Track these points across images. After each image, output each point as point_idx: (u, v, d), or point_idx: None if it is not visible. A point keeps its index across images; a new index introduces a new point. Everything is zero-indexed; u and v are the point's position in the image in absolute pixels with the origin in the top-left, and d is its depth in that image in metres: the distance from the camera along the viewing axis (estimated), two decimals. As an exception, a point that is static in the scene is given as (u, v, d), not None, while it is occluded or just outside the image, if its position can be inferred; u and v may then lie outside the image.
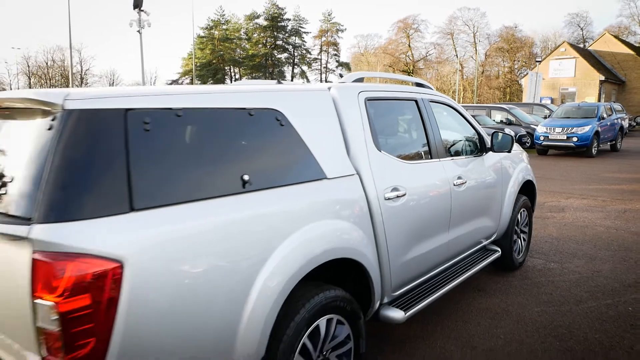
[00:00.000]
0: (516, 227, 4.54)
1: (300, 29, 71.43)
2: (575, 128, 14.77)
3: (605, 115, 15.92)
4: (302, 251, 2.08)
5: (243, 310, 1.86)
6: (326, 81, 72.57)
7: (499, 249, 4.22)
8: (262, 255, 1.95)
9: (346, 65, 74.02)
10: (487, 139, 4.03)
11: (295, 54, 72.75)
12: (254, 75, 68.43)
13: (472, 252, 3.93)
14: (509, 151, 4.03)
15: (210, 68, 65.61)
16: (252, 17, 68.81)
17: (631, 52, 39.50)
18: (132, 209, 1.61)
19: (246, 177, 1.98)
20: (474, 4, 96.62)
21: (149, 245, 1.61)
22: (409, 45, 71.52)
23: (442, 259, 3.36)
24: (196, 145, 1.90)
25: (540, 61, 35.34)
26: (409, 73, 70.82)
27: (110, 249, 1.52)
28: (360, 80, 3.02)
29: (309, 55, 73.68)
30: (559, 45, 39.28)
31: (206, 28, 67.63)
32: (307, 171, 2.28)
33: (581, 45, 47.81)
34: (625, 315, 3.66)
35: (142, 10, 17.52)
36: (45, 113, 1.66)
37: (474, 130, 3.99)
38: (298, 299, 2.15)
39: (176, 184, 1.76)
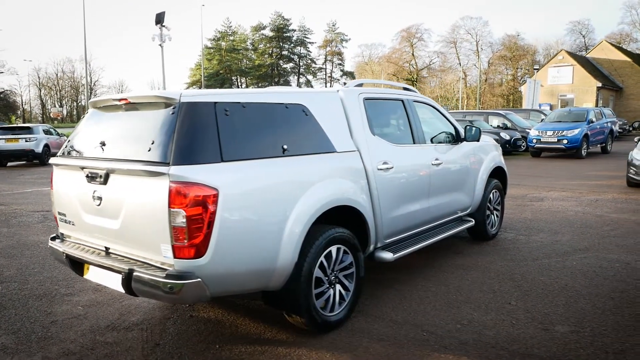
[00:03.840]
0: (489, 205, 5.59)
1: (305, 39, 73.08)
2: (565, 131, 15.79)
3: (594, 119, 16.93)
4: (321, 195, 3.16)
5: (285, 227, 2.93)
6: (331, 90, 73.71)
7: (473, 220, 5.28)
8: (296, 194, 3.02)
9: (350, 75, 75.40)
10: (462, 132, 5.09)
11: (301, 64, 74.30)
12: (260, 85, 69.84)
13: (451, 219, 4.99)
14: (478, 140, 5.09)
15: (217, 78, 67.16)
16: (258, 28, 70.52)
17: (628, 59, 40.54)
18: (222, 160, 2.70)
19: (285, 146, 3.07)
20: (476, 13, 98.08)
21: (232, 181, 2.70)
22: (413, 54, 72.79)
23: (424, 220, 4.41)
24: (254, 125, 2.99)
25: (538, 69, 36.50)
26: (412, 81, 72.05)
27: (211, 182, 2.59)
28: (360, 85, 4.12)
29: (314, 65, 75.28)
30: (557, 53, 40.45)
31: (213, 39, 69.38)
32: (323, 145, 3.37)
33: (583, 53, 48.80)
34: (570, 267, 4.69)
35: (164, 26, 18.84)
36: (167, 105, 2.75)
37: (451, 125, 5.05)
38: (317, 231, 3.21)
39: (245, 148, 2.85)
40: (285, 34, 71.28)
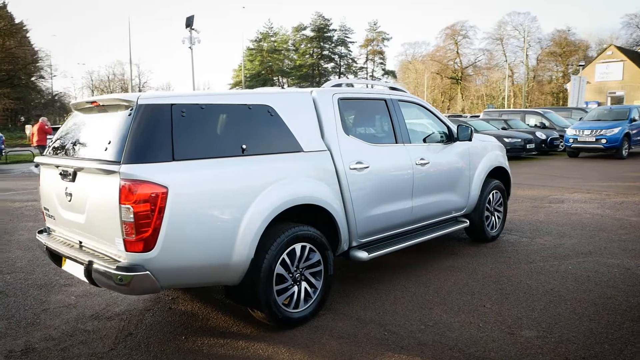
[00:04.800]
0: (488, 206, 5.47)
1: (346, 38, 73.06)
2: (604, 130, 15.11)
3: (637, 118, 16.09)
4: (280, 194, 3.23)
5: (240, 224, 3.02)
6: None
7: (467, 221, 5.19)
8: (253, 192, 3.10)
9: (392, 74, 74.82)
10: (455, 131, 5.02)
11: (341, 64, 74.35)
12: (301, 85, 70.37)
13: (442, 219, 4.93)
14: (470, 140, 5.00)
15: (259, 79, 68.17)
16: (299, 28, 71.12)
17: (687, 54, 38.13)
18: (174, 159, 2.82)
19: (244, 146, 3.16)
20: (524, 8, 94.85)
21: (183, 180, 2.81)
22: (457, 52, 71.39)
23: (407, 221, 4.39)
24: (212, 126, 3.10)
25: (584, 65, 34.95)
26: (457, 80, 70.75)
27: (161, 180, 2.72)
28: (339, 85, 4.15)
29: (354, 65, 75.06)
30: (605, 48, 38.53)
31: (255, 40, 70.53)
32: (288, 145, 3.44)
33: (635, 48, 46.30)
34: (563, 271, 4.54)
35: (193, 29, 19.46)
36: (127, 107, 2.90)
37: (443, 124, 4.99)
38: (280, 229, 3.29)
39: (200, 148, 2.96)
40: (326, 34, 71.52)
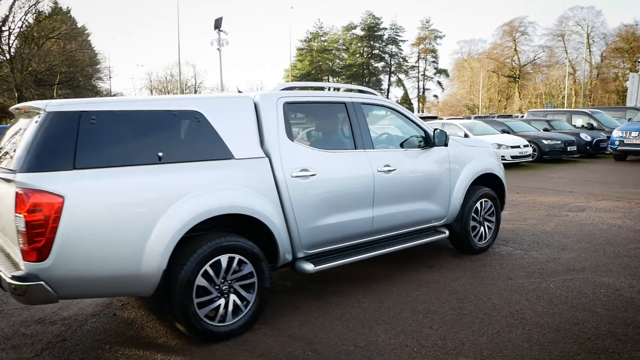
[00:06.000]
0: (474, 215, 5.10)
1: (397, 37, 71.97)
2: (655, 131, 13.92)
3: (696, 118, 14.71)
4: (200, 203, 3.10)
5: (150, 234, 2.92)
6: (424, 89, 72.05)
7: (446, 231, 4.85)
8: (166, 201, 3.00)
9: (444, 72, 72.98)
10: (432, 135, 4.70)
11: (392, 63, 73.31)
12: (352, 83, 69.97)
13: (417, 229, 4.63)
14: (445, 145, 4.66)
15: (308, 78, 68.50)
16: (349, 27, 70.78)
17: None
18: (75, 167, 2.76)
19: (161, 154, 3.06)
20: (587, 2, 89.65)
21: (84, 189, 2.75)
22: (515, 49, 68.64)
23: (366, 231, 4.14)
24: (126, 133, 3.02)
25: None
26: (514, 78, 68.02)
27: (57, 189, 2.67)
28: (291, 89, 3.98)
29: (405, 64, 73.81)
30: (674, 43, 35.48)
31: (305, 40, 70.91)
32: (216, 153, 3.31)
33: None
34: (542, 289, 4.13)
35: (222, 31, 19.76)
36: (37, 114, 2.88)
37: (420, 129, 4.69)
38: (202, 239, 3.17)
39: (108, 155, 2.89)
40: (376, 33, 70.75)
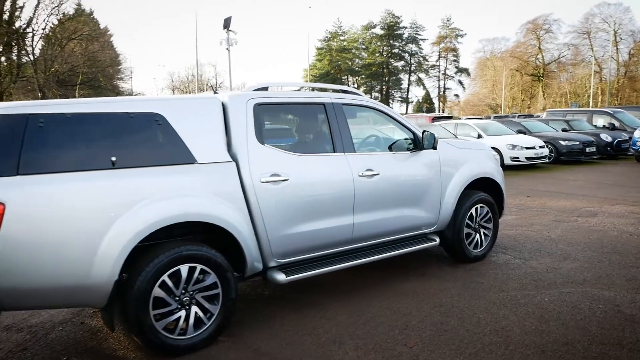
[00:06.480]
0: (469, 222, 4.83)
1: (417, 36, 71.27)
2: (679, 132, 13.29)
3: None
4: (153, 210, 2.94)
5: (100, 243, 2.76)
6: (444, 88, 71.08)
7: (437, 239, 4.60)
8: (118, 208, 2.84)
9: (465, 71, 71.92)
10: (421, 137, 4.45)
11: (412, 62, 72.57)
12: (369, 83, 69.63)
13: (405, 237, 4.39)
14: (434, 148, 4.40)
15: (327, 78, 68.31)
16: (369, 27, 70.35)
17: None
18: (18, 173, 2.63)
19: (114, 159, 2.91)
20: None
21: (25, 196, 2.61)
22: (539, 47, 67.19)
23: (346, 239, 3.92)
24: (79, 136, 2.87)
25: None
26: (538, 77, 66.55)
27: (-3, 195, 2.54)
28: (265, 89, 3.79)
29: (426, 63, 72.98)
30: None
31: (324, 40, 70.71)
32: (176, 157, 3.14)
33: None
34: (535, 304, 3.85)
35: (230, 30, 19.70)
36: None
37: (408, 131, 4.44)
38: (161, 248, 3.01)
39: (57, 160, 2.75)
40: (396, 32, 70.10)
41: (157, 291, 2.99)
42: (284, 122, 3.91)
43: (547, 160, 13.75)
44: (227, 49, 20.61)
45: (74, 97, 37.14)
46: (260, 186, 3.40)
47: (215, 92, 3.81)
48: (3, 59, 36.40)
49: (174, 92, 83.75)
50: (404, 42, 71.40)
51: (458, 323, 3.53)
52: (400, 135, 4.43)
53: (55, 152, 2.77)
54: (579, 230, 6.23)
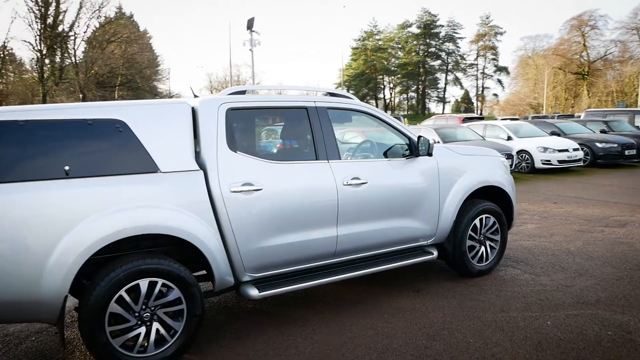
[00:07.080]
0: (472, 233, 4.48)
1: (454, 34, 69.81)
2: None
3: None
4: (108, 222, 2.79)
5: (48, 257, 2.64)
6: (483, 88, 69.31)
7: (434, 252, 4.28)
8: (68, 221, 2.70)
9: (505, 70, 69.89)
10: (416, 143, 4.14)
11: (449, 61, 71.10)
12: (405, 83, 68.54)
13: (399, 249, 4.11)
14: (429, 154, 4.09)
15: (362, 78, 67.88)
16: (405, 26, 69.42)
17: None
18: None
19: (68, 168, 2.78)
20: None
21: None
22: (584, 45, 64.50)
23: (329, 252, 3.67)
24: (31, 144, 2.75)
25: None
26: (583, 75, 63.92)
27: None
28: (243, 92, 3.59)
29: (463, 62, 71.33)
30: None
31: (359, 39, 70.21)
32: (137, 165, 2.98)
33: None
34: (535, 328, 3.50)
35: (254, 31, 19.66)
36: None
37: (402, 136, 4.15)
38: (118, 261, 2.87)
39: (4, 170, 2.64)
40: (432, 31, 68.82)
41: (114, 307, 2.85)
42: (261, 128, 3.70)
43: (582, 164, 13.02)
44: (250, 49, 20.63)
45: (113, 98, 38.20)
46: (230, 196, 3.21)
47: (195, 96, 3.63)
48: (47, 61, 37.90)
49: (211, 92, 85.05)
50: (440, 41, 70.05)
51: (444, 348, 3.23)
52: (393, 140, 4.15)
53: (4, 161, 2.67)
54: (603, 243, 5.75)
